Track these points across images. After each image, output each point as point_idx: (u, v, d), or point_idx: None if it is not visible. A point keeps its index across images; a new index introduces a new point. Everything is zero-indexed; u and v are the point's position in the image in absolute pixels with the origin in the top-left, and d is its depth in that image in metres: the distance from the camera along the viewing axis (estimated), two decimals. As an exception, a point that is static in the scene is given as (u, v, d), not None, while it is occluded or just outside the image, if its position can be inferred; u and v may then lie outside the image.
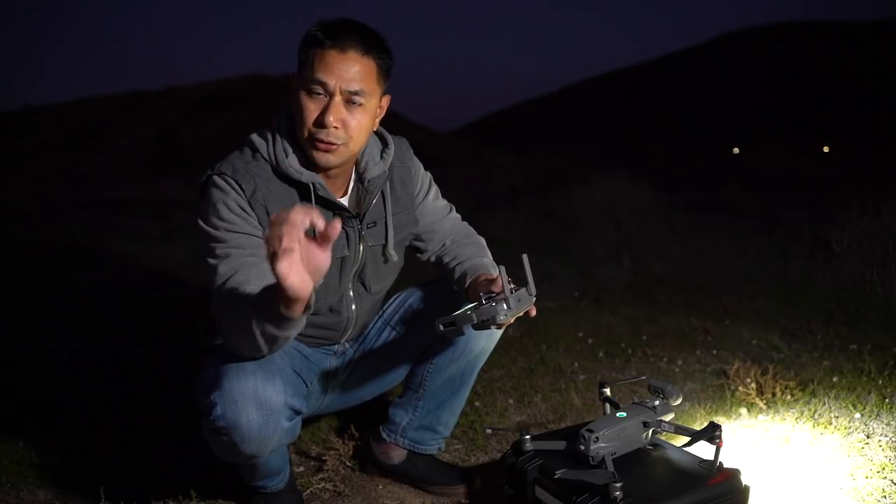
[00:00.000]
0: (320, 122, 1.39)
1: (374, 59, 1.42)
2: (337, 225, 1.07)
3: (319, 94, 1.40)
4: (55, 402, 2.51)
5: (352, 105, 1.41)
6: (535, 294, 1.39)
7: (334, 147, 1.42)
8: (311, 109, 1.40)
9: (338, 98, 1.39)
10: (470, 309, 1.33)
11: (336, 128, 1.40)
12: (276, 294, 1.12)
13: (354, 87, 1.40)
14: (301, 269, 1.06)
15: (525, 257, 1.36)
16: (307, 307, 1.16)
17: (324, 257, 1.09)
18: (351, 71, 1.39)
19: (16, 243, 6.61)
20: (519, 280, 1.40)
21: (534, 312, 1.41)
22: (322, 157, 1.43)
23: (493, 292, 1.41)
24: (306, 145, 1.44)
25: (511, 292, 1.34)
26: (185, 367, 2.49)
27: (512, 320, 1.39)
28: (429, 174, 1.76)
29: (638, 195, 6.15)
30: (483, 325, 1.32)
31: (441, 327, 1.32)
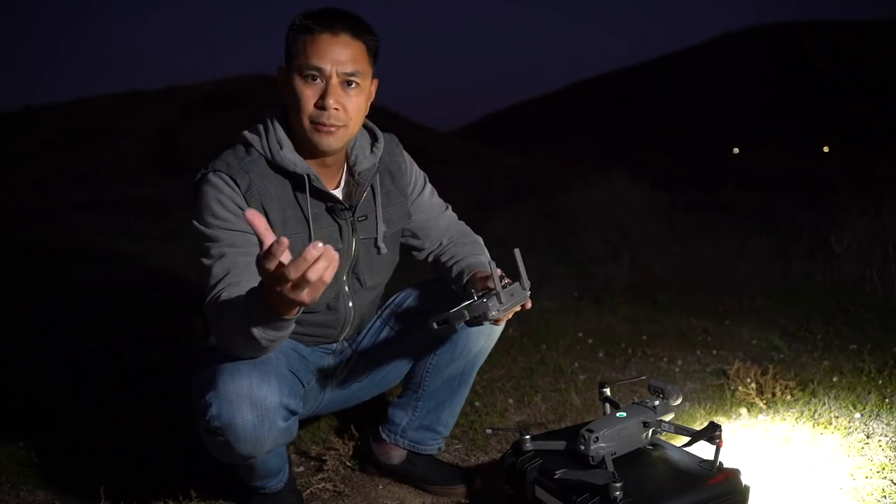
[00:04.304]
0: (321, 105, 1.41)
1: (364, 40, 1.45)
2: (283, 241, 1.03)
3: (316, 79, 1.42)
4: (55, 402, 2.51)
5: (348, 87, 1.44)
6: (528, 288, 1.39)
7: (335, 129, 1.44)
8: (309, 95, 1.42)
9: (335, 81, 1.42)
10: (463, 306, 1.34)
11: (336, 109, 1.42)
12: (266, 299, 1.14)
13: (349, 68, 1.42)
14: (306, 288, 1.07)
15: (517, 251, 1.36)
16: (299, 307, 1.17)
17: (330, 269, 1.06)
18: (344, 53, 1.42)
19: (16, 243, 6.61)
20: (514, 275, 1.40)
21: (529, 306, 1.41)
22: (324, 140, 1.45)
23: (488, 289, 1.41)
24: (307, 132, 1.45)
25: (504, 287, 1.34)
26: (185, 367, 2.48)
27: (508, 315, 1.39)
28: (423, 172, 1.76)
29: (638, 195, 6.14)
30: (475, 321, 1.32)
31: (434, 325, 1.32)
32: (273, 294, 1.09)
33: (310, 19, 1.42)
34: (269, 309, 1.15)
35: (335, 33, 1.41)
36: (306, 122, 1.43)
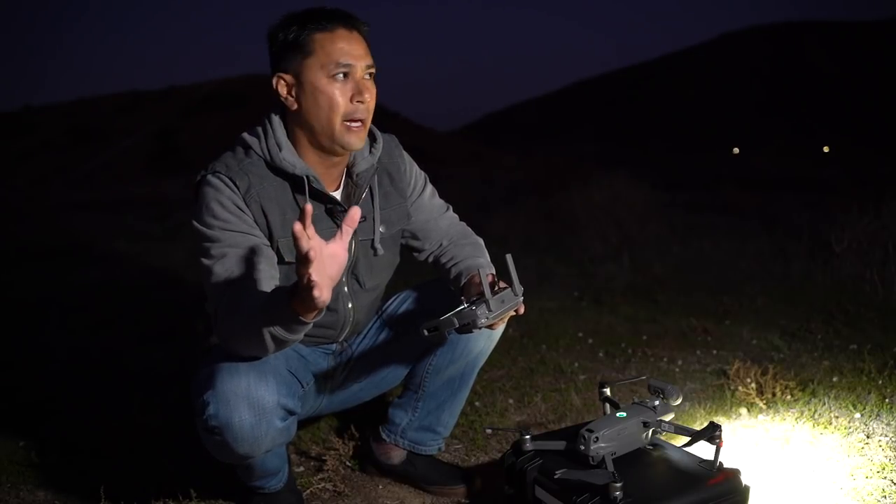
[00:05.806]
0: (359, 100, 1.44)
1: (365, 33, 1.49)
2: (355, 212, 1.14)
3: (346, 76, 1.44)
4: (55, 402, 2.51)
5: (368, 80, 1.47)
6: (520, 294, 1.39)
7: (362, 123, 1.47)
8: (343, 93, 1.44)
9: (360, 75, 1.45)
10: (453, 314, 1.33)
11: (368, 101, 1.46)
12: (294, 300, 1.16)
13: (369, 60, 1.46)
14: (327, 280, 1.13)
15: (509, 257, 1.36)
16: (320, 310, 1.19)
17: (343, 255, 1.15)
18: (361, 47, 1.45)
19: (16, 243, 6.61)
20: (508, 280, 1.40)
21: (522, 311, 1.41)
22: (354, 137, 1.47)
23: (481, 294, 1.41)
24: (336, 133, 1.45)
25: (495, 294, 1.34)
26: (185, 367, 2.48)
27: (503, 321, 1.39)
28: (423, 173, 1.76)
29: (638, 195, 6.13)
30: (465, 328, 1.32)
31: (425, 332, 1.32)
32: (301, 292, 1.13)
33: (320, 18, 1.43)
34: (292, 310, 1.18)
35: (349, 29, 1.44)
36: (338, 122, 1.44)
